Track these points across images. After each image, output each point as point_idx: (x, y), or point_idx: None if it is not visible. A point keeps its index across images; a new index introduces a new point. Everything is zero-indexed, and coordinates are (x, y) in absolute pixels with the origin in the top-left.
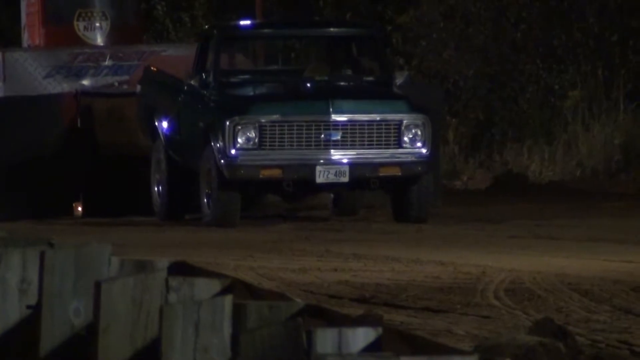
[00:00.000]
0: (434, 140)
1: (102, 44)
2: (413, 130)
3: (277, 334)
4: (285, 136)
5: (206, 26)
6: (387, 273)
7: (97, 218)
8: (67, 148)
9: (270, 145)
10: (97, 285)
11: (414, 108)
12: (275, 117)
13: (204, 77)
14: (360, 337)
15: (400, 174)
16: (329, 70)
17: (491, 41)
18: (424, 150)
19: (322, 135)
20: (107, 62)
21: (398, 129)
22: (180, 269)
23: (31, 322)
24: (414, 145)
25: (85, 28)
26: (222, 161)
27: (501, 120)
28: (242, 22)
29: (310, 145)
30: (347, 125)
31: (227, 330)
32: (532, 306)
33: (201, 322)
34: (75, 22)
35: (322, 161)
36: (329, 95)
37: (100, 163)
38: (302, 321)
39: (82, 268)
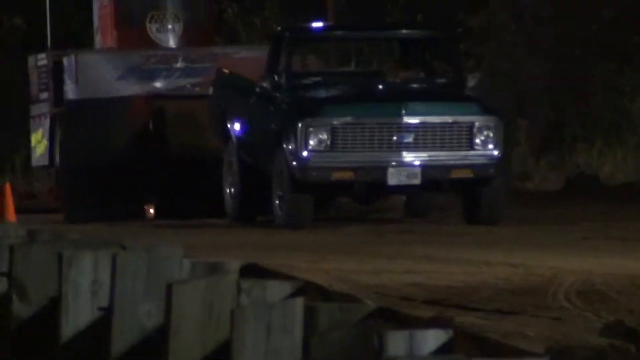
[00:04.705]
0: (506, 142)
1: (174, 46)
2: (485, 132)
3: (348, 336)
4: (357, 138)
5: (278, 28)
6: (458, 275)
7: (169, 220)
8: (139, 150)
9: (342, 147)
10: (169, 287)
11: (485, 110)
12: (347, 119)
13: (275, 79)
14: (431, 339)
15: (472, 176)
16: (409, 71)
17: (562, 42)
18: (495, 152)
19: (394, 138)
20: (180, 65)
21: (470, 131)
22: (252, 271)
23: (103, 324)
24: (486, 147)
25: (158, 30)
26: (294, 163)
27: (572, 122)
28: (314, 24)
29: (382, 148)
30: (419, 127)
31: (298, 332)
32: (603, 308)
33: (272, 324)
34: (147, 24)
35: (394, 163)
36: (401, 97)
37: (172, 165)
38: (374, 323)
39: (153, 270)
